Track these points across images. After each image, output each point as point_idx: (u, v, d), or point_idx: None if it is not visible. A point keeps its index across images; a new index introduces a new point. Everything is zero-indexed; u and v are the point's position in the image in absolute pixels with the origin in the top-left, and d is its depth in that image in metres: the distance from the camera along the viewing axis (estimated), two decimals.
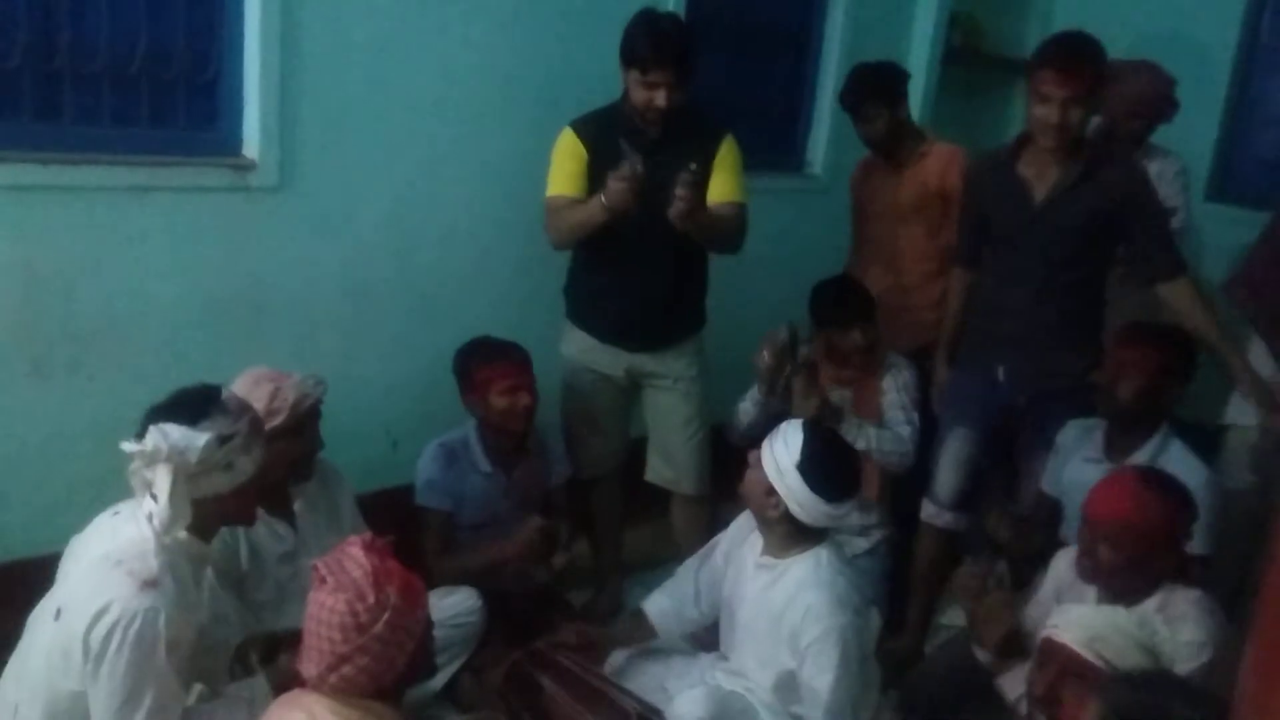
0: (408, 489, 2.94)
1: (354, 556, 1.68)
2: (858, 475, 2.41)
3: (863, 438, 2.96)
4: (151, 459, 1.80)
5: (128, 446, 1.83)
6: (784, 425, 2.33)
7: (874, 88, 3.40)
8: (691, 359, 3.10)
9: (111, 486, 2.54)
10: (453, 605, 2.65)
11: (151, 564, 1.79)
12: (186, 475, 1.82)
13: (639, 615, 2.64)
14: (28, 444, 2.61)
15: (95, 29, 2.60)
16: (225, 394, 1.96)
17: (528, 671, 2.52)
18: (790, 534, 2.31)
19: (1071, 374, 2.78)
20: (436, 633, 2.32)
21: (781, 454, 2.25)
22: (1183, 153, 3.71)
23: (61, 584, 1.91)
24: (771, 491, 2.26)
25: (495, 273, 3.40)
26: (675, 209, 2.67)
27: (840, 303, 3.11)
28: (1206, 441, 2.91)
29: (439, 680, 2.63)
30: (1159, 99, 3.45)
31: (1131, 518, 2.10)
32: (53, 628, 1.80)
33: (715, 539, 2.60)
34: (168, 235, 2.72)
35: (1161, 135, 3.70)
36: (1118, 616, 1.93)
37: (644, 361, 3.05)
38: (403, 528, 2.81)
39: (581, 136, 2.92)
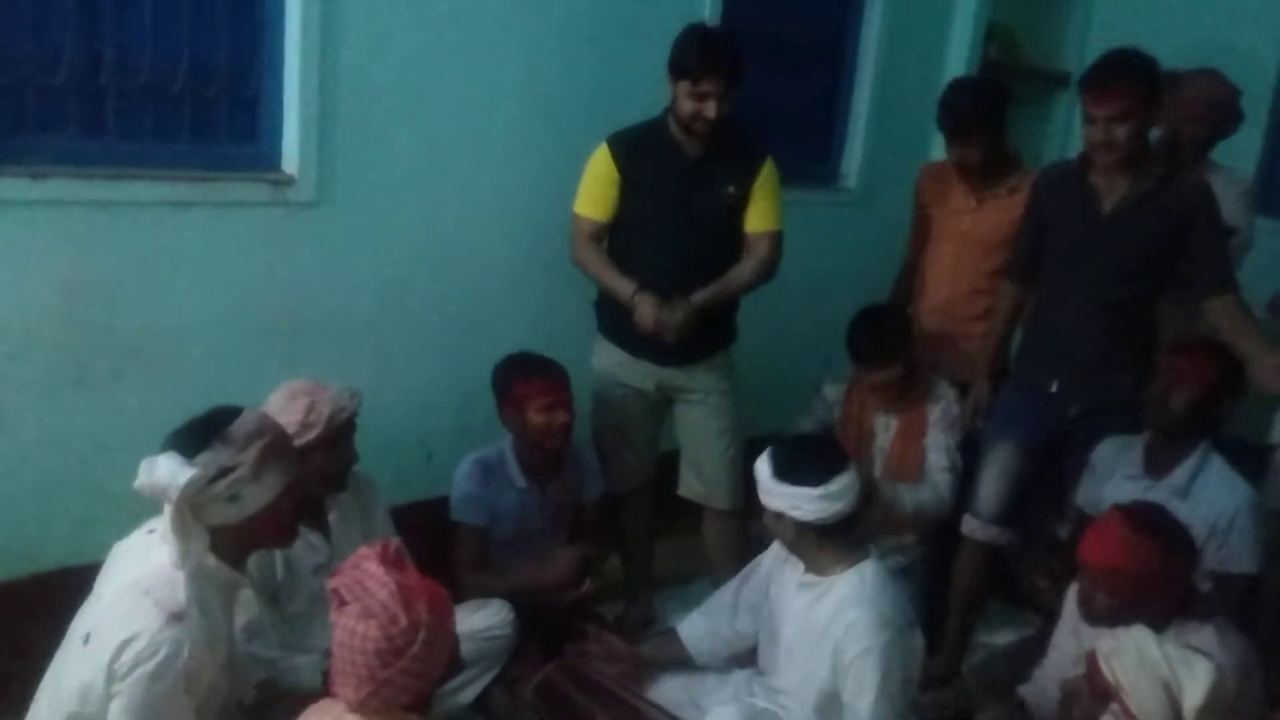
0: (442, 501, 2.95)
1: (374, 574, 1.66)
2: (829, 446, 2.43)
3: (899, 504, 2.98)
4: (142, 493, 1.77)
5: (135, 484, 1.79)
6: (765, 454, 2.32)
7: (981, 112, 3.12)
8: (723, 373, 3.09)
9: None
10: (485, 618, 2.66)
11: (179, 595, 1.75)
12: (188, 507, 1.77)
13: (671, 634, 2.62)
14: (71, 455, 2.65)
15: (139, 46, 2.65)
16: (237, 421, 1.86)
17: (559, 685, 2.52)
18: (825, 550, 2.29)
19: (1122, 390, 2.75)
20: (469, 646, 2.35)
21: (762, 478, 2.27)
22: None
23: (95, 603, 1.90)
24: (779, 516, 2.26)
25: (531, 287, 3.41)
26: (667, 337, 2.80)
27: (863, 341, 3.10)
28: (1253, 460, 2.86)
29: (471, 693, 2.64)
30: (1219, 105, 3.34)
31: (1121, 563, 2.06)
32: (81, 652, 1.79)
33: (759, 558, 2.57)
34: (207, 249, 2.76)
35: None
36: (1146, 640, 1.89)
37: (674, 376, 3.05)
38: (437, 539, 2.84)
39: (616, 156, 2.93)
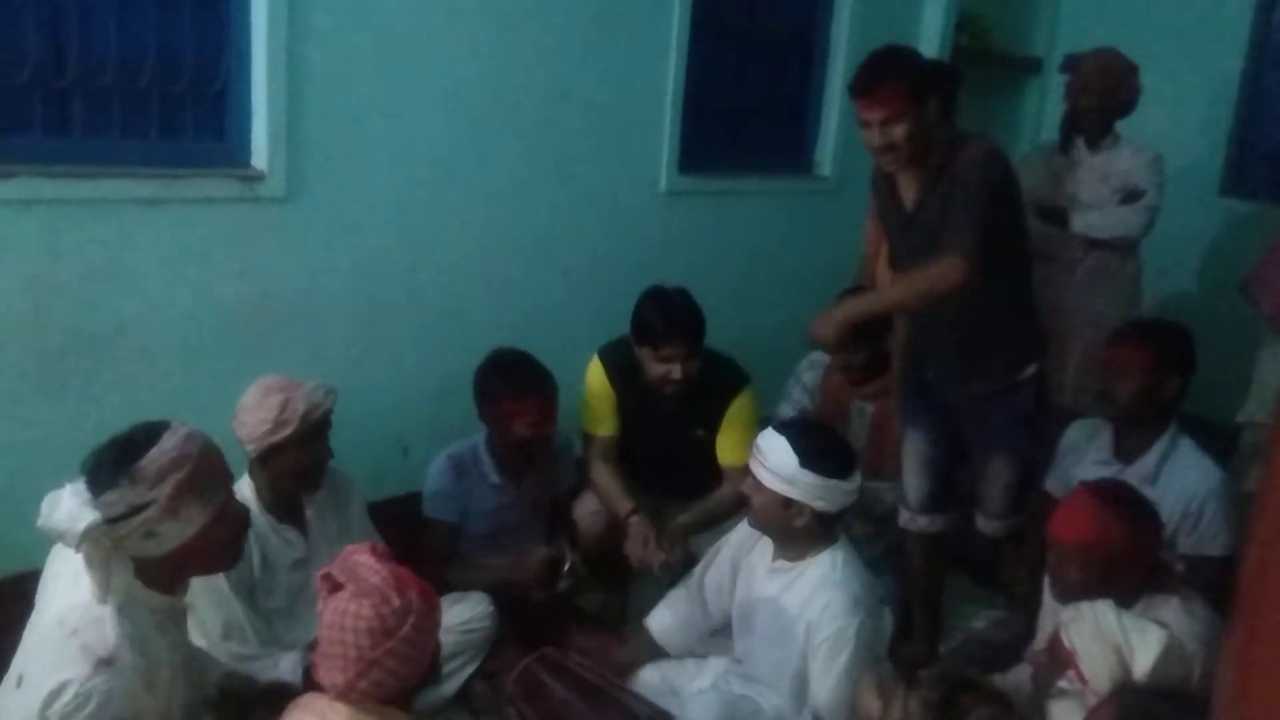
0: (418, 496, 2.94)
1: (366, 563, 1.68)
2: (848, 444, 2.44)
3: (881, 504, 3.05)
4: (46, 533, 1.68)
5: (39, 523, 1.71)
6: (761, 443, 2.30)
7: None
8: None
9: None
10: (464, 611, 2.66)
11: (108, 636, 1.67)
12: (104, 541, 1.68)
13: (644, 632, 2.63)
14: (41, 456, 2.62)
15: (103, 43, 2.63)
16: (151, 452, 1.71)
17: (538, 676, 2.52)
18: (808, 538, 2.30)
19: (997, 377, 2.68)
20: (449, 639, 2.35)
21: (780, 464, 2.24)
22: (1194, 148, 3.71)
23: (30, 633, 1.79)
24: (789, 503, 2.25)
25: (507, 280, 3.40)
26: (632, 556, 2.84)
27: None
28: (1222, 441, 2.89)
29: (452, 686, 2.64)
30: (1109, 76, 3.46)
31: (1092, 538, 2.08)
32: (15, 695, 1.72)
33: (716, 546, 2.59)
34: (177, 247, 2.74)
35: (1174, 130, 3.69)
36: (1105, 610, 1.92)
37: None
38: (413, 535, 2.83)
39: (608, 372, 3.02)
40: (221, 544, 1.85)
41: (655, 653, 2.60)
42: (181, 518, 1.73)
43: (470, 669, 2.67)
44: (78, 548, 1.66)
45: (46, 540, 2.55)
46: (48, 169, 2.53)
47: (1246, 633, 0.64)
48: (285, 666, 2.28)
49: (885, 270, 3.32)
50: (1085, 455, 2.72)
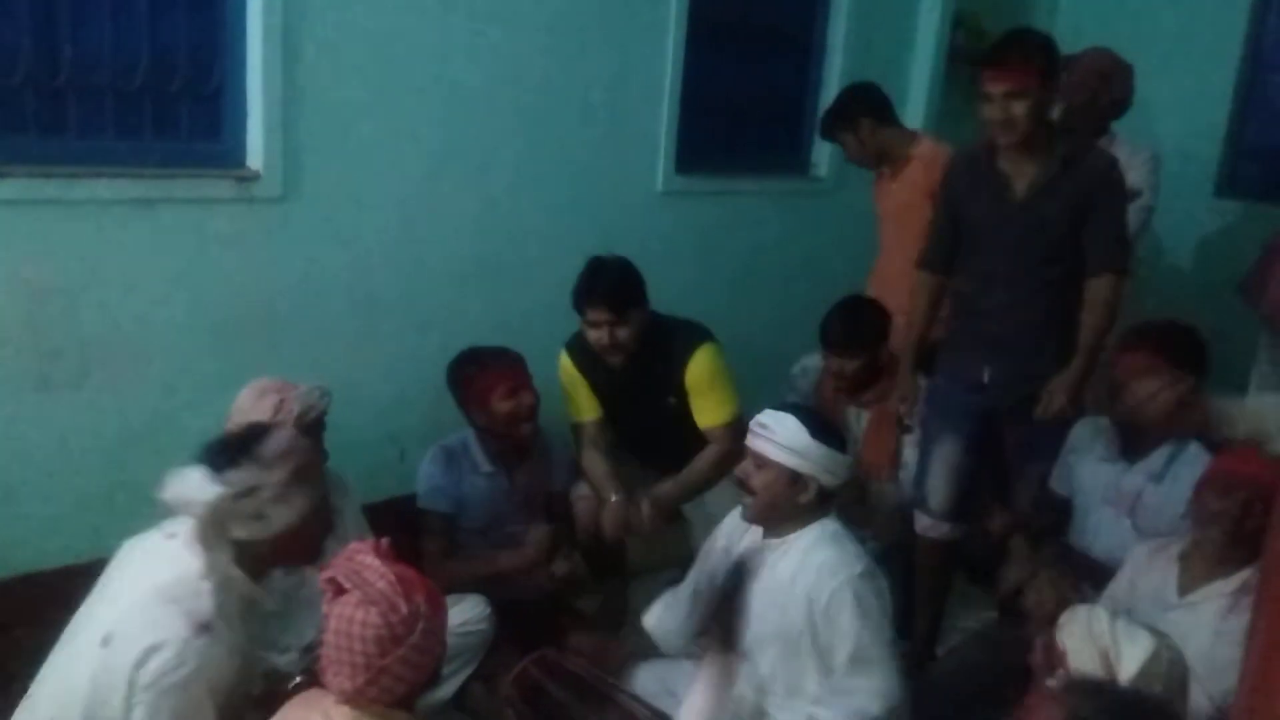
0: (415, 498, 2.93)
1: (371, 565, 1.66)
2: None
3: (885, 502, 3.04)
4: (169, 503, 1.79)
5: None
6: (765, 420, 2.28)
7: (827, 123, 3.57)
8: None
9: (119, 500, 2.56)
10: (461, 613, 2.64)
11: (207, 605, 1.76)
12: (212, 521, 1.79)
13: (641, 631, 2.61)
14: (35, 458, 2.62)
15: (98, 43, 2.62)
16: (268, 440, 1.89)
17: (536, 678, 2.51)
18: (805, 517, 2.30)
19: (1047, 369, 2.70)
20: (447, 641, 2.34)
21: (792, 437, 2.23)
22: (1190, 149, 3.71)
23: (109, 604, 1.87)
24: (796, 478, 2.25)
25: (500, 280, 3.39)
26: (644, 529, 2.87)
27: (836, 328, 3.14)
28: (1222, 440, 2.87)
29: (449, 688, 2.63)
30: (1105, 75, 3.45)
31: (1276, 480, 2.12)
32: (100, 654, 1.77)
33: (713, 534, 2.58)
34: (172, 247, 2.73)
35: (1170, 131, 3.69)
36: (1099, 615, 1.92)
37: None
38: (410, 536, 2.82)
39: (574, 361, 3.03)
40: (311, 538, 1.96)
41: (651, 651, 2.59)
42: (290, 503, 1.86)
43: (467, 671, 2.66)
44: (202, 519, 1.77)
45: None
46: (41, 169, 2.52)
47: (1269, 620, 0.63)
48: (283, 670, 2.25)
49: (898, 274, 3.32)
50: (1089, 453, 2.71)
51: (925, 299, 2.93)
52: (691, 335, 2.97)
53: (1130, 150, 3.47)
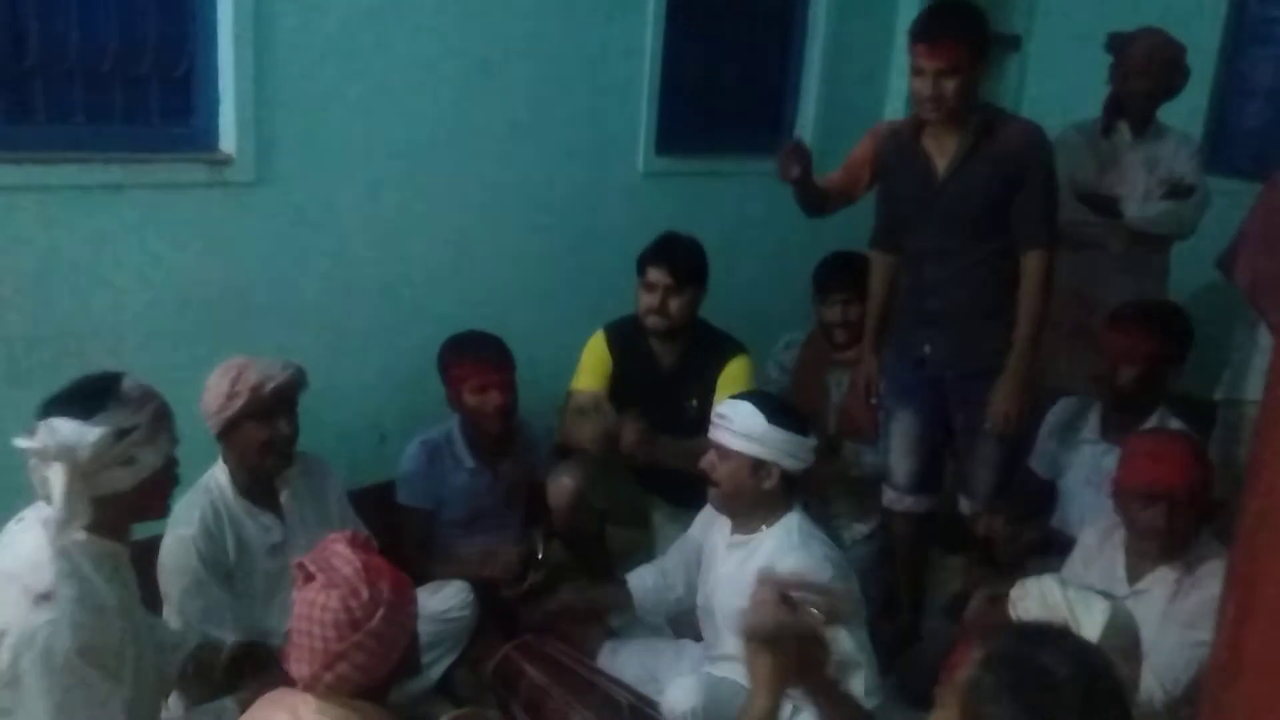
0: (395, 485, 2.91)
1: (341, 553, 1.66)
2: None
3: (858, 465, 3.06)
4: (42, 456, 1.74)
5: (19, 443, 1.76)
6: (724, 410, 2.29)
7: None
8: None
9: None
10: (444, 600, 2.65)
11: (46, 575, 1.72)
12: (82, 473, 1.75)
13: (622, 586, 2.62)
14: (4, 451, 2.58)
15: (65, 26, 2.56)
16: (126, 383, 1.85)
17: (518, 663, 2.51)
18: (771, 504, 2.30)
19: (988, 357, 2.71)
20: (430, 628, 2.33)
21: (749, 424, 2.24)
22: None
23: None
24: (758, 465, 2.25)
25: (479, 263, 3.37)
26: (624, 444, 2.82)
27: (833, 273, 3.19)
28: (1206, 416, 2.88)
29: (433, 675, 2.63)
30: (1163, 60, 3.34)
31: (1198, 473, 2.16)
32: None
33: (687, 534, 2.58)
34: (144, 233, 2.69)
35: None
36: (1051, 585, 1.92)
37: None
38: (392, 522, 2.81)
39: (610, 345, 3.03)
40: (168, 486, 1.95)
41: (625, 604, 2.60)
42: (156, 445, 1.85)
43: (451, 658, 2.67)
44: (74, 469, 1.72)
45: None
46: (9, 155, 2.48)
47: (1239, 606, 0.62)
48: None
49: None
50: (1073, 434, 2.72)
51: (879, 278, 2.97)
52: (732, 342, 3.05)
53: (1178, 140, 3.38)
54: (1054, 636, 1.35)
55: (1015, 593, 1.93)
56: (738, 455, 2.25)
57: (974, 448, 2.79)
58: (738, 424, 2.25)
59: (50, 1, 2.54)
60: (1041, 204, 2.61)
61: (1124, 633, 1.83)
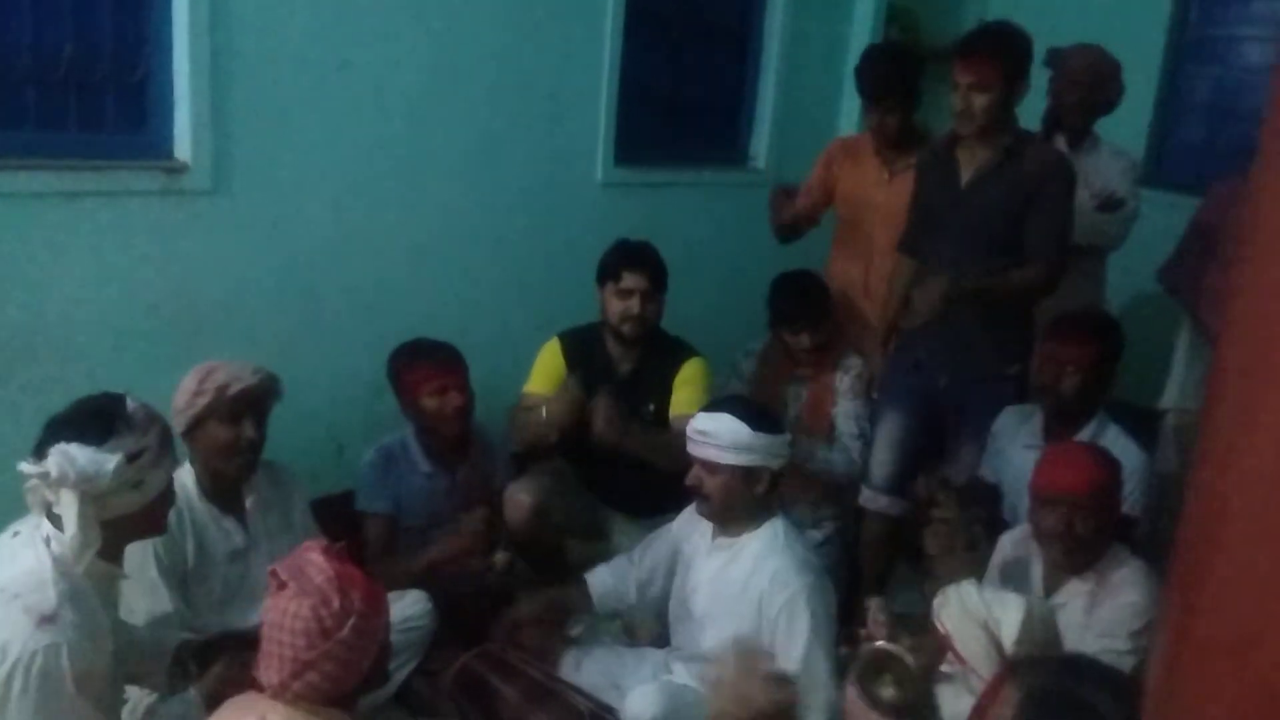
0: (353, 494, 2.90)
1: (315, 562, 1.66)
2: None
3: (812, 460, 3.09)
4: (57, 484, 1.72)
5: (26, 468, 1.74)
6: (705, 426, 2.30)
7: (900, 75, 3.22)
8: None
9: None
10: (403, 609, 2.62)
11: (50, 596, 1.70)
12: (95, 498, 1.74)
13: (581, 584, 2.64)
14: None
15: (18, 31, 2.53)
16: (130, 405, 1.84)
17: (478, 672, 2.50)
18: (757, 508, 2.33)
19: (988, 365, 2.78)
20: (388, 642, 2.32)
21: (735, 437, 2.26)
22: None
23: None
24: (749, 473, 2.28)
25: (437, 273, 3.36)
26: (596, 427, 2.82)
27: (793, 304, 3.19)
28: (1142, 423, 2.96)
29: (391, 685, 2.60)
30: (1096, 74, 3.44)
31: (1101, 480, 2.18)
32: None
33: (659, 530, 2.60)
34: (99, 242, 2.66)
35: (1097, 120, 3.74)
36: (969, 590, 1.97)
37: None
38: (348, 533, 2.78)
39: (566, 353, 3.03)
40: (168, 506, 1.94)
41: (584, 603, 2.61)
42: (162, 467, 1.84)
43: (410, 667, 2.64)
44: (87, 496, 1.71)
45: None
46: None
47: (1182, 606, 0.65)
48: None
49: (857, 248, 3.36)
50: (1015, 440, 2.78)
51: (902, 281, 3.03)
52: (690, 348, 3.08)
53: (1111, 153, 3.47)
54: (1086, 668, 1.37)
55: (936, 601, 1.98)
56: (729, 468, 2.28)
57: (959, 453, 2.87)
58: (724, 438, 2.27)
59: (3, 6, 2.51)
60: (1054, 224, 2.69)
61: (1041, 626, 1.89)
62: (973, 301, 2.71)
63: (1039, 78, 3.49)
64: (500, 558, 2.80)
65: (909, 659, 1.89)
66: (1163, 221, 3.92)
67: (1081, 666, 1.40)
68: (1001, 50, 2.63)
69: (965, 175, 2.75)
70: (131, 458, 1.77)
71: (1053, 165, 2.73)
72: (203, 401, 2.28)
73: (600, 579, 2.62)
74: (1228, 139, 4.45)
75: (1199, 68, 4.62)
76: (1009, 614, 1.87)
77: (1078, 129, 3.45)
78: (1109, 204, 3.42)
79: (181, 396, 2.31)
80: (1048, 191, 2.68)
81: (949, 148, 2.80)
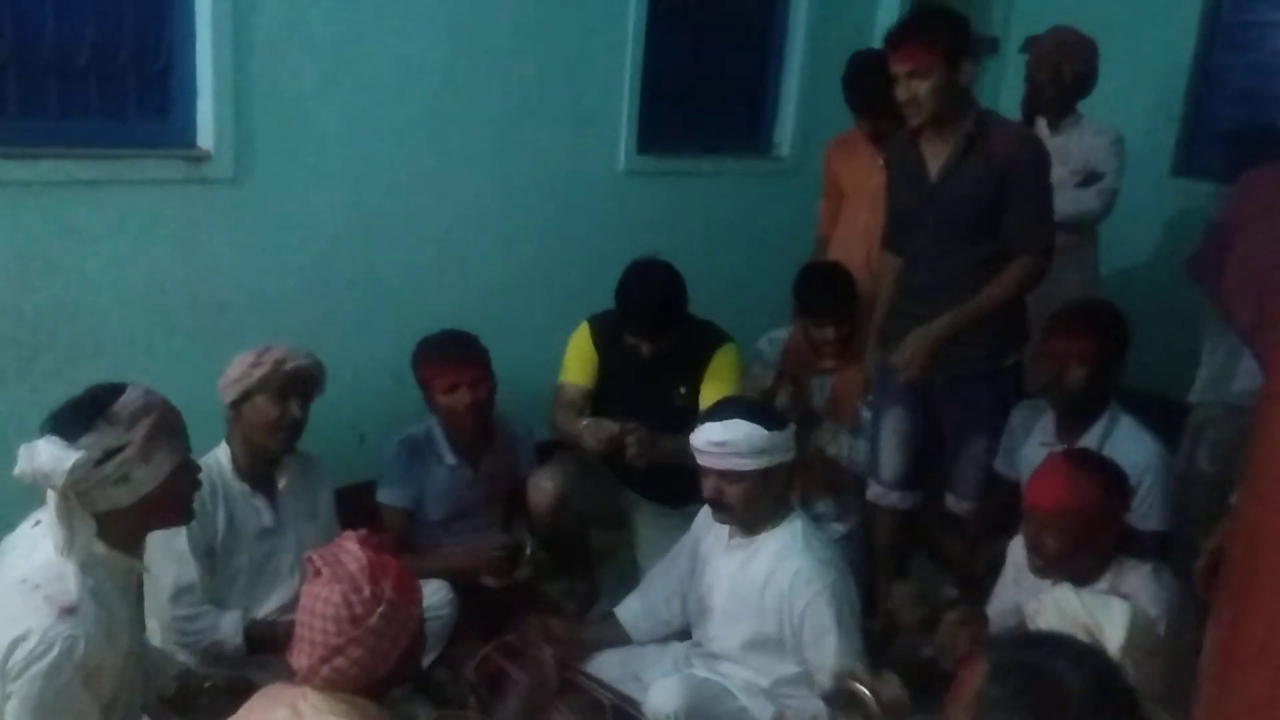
0: (374, 485, 2.90)
1: (350, 550, 1.68)
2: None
3: (835, 444, 3.06)
4: (21, 479, 1.70)
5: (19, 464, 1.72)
6: (719, 437, 2.27)
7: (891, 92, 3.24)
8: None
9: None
10: (424, 598, 2.62)
11: (70, 588, 1.70)
12: (78, 494, 1.70)
13: (611, 618, 2.63)
14: None
15: (39, 19, 2.54)
16: (123, 399, 1.77)
17: (499, 664, 2.50)
18: (770, 508, 2.32)
19: (978, 361, 2.73)
20: (420, 633, 2.32)
21: (755, 443, 2.25)
22: (1148, 128, 3.72)
23: None
24: (767, 473, 2.27)
25: (459, 261, 3.36)
26: (630, 455, 2.80)
27: (820, 297, 3.15)
28: (1161, 414, 2.90)
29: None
30: (1066, 51, 3.42)
31: (1069, 502, 2.10)
32: None
33: (680, 542, 2.59)
34: (121, 230, 2.66)
35: (1127, 110, 3.70)
36: (1066, 594, 1.93)
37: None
38: (366, 524, 2.78)
39: (594, 335, 3.03)
40: (181, 496, 1.89)
41: (615, 639, 2.59)
42: (152, 462, 1.77)
43: (430, 657, 2.64)
44: (61, 491, 1.69)
45: None
46: None
47: (1233, 614, 0.63)
48: (226, 625, 2.33)
49: (856, 238, 3.33)
50: (1029, 436, 2.74)
51: (888, 279, 2.97)
52: (720, 332, 3.06)
53: (1095, 131, 3.47)
54: (1059, 643, 1.36)
55: (1030, 607, 1.94)
56: (750, 475, 2.27)
57: (961, 447, 2.82)
58: (742, 445, 2.25)
59: None
60: (1033, 208, 2.62)
61: (1147, 631, 1.84)
62: (966, 329, 2.67)
63: (1013, 62, 3.48)
64: (524, 573, 2.79)
65: (872, 703, 1.88)
66: (1195, 211, 3.87)
67: (1055, 641, 1.39)
68: (930, 32, 2.56)
69: (933, 168, 2.67)
70: (108, 454, 1.71)
71: (1020, 143, 2.65)
72: (259, 373, 2.32)
73: (629, 610, 2.61)
74: (1260, 127, 4.37)
75: (1231, 55, 4.54)
76: (1113, 618, 1.83)
77: (1055, 107, 3.45)
78: (1090, 178, 3.42)
79: (237, 368, 2.35)
80: (1020, 174, 2.60)
81: (912, 142, 2.72)
